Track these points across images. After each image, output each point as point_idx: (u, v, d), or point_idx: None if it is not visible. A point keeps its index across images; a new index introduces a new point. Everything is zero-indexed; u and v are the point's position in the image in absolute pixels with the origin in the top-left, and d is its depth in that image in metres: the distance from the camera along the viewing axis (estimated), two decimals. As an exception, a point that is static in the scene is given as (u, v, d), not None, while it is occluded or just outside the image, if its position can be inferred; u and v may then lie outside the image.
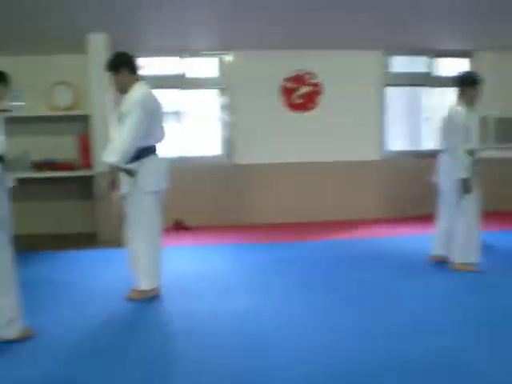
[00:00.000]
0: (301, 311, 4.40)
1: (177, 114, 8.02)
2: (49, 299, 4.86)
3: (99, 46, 6.71)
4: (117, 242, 5.80)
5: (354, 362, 3.44)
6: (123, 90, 4.71)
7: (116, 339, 3.96)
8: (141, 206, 4.63)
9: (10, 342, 3.83)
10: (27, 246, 6.19)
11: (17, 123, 6.90)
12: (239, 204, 8.06)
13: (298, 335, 3.92)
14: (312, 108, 8.14)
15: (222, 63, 8.07)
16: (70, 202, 7.53)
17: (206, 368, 3.44)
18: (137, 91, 4.61)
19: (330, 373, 3.31)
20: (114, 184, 4.64)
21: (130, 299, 4.73)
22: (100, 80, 6.75)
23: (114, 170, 4.52)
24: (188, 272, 5.57)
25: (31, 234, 7.19)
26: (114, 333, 4.09)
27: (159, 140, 4.76)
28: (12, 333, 3.85)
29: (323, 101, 8.11)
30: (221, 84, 8.11)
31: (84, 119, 7.06)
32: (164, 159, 4.79)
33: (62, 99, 7.25)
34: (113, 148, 4.49)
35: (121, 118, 4.59)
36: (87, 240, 7.07)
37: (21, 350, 3.78)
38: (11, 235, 4.90)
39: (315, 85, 8.08)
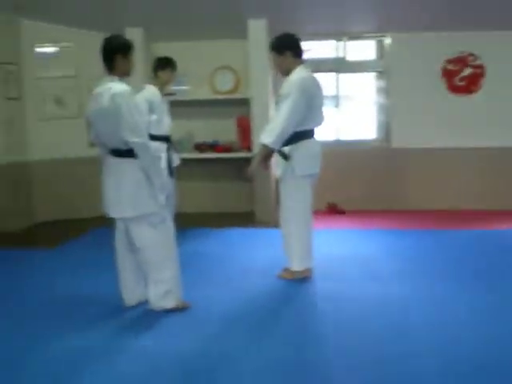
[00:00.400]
0: (449, 301, 4.30)
1: (335, 97, 8.03)
2: (205, 273, 5.14)
3: (259, 32, 6.88)
4: (273, 222, 5.95)
5: (498, 356, 3.33)
6: (285, 72, 4.75)
7: (264, 317, 4.11)
8: (294, 189, 4.71)
9: (167, 312, 4.12)
10: (188, 224, 6.52)
11: (181, 106, 7.29)
12: (394, 189, 7.94)
13: (442, 324, 3.85)
14: (475, 91, 7.81)
15: (379, 46, 7.98)
16: (230, 183, 7.81)
17: (347, 352, 3.49)
18: (297, 74, 4.63)
19: (473, 364, 3.23)
20: (266, 164, 4.77)
21: (282, 278, 4.87)
22: (260, 64, 6.95)
23: (268, 151, 4.64)
24: (340, 255, 5.60)
25: (192, 213, 7.57)
26: (263, 310, 4.23)
27: (317, 124, 4.78)
28: (169, 303, 4.13)
29: (486, 84, 7.75)
30: (378, 67, 8.02)
31: (244, 102, 7.28)
32: (318, 143, 4.84)
33: (224, 83, 7.53)
34: (269, 129, 4.59)
35: (279, 101, 4.66)
36: (245, 219, 7.30)
37: (175, 320, 4.04)
38: (174, 212, 5.20)
39: (478, 67, 7.74)
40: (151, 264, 4.07)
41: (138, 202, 3.94)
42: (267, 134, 4.55)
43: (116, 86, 3.84)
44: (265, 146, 4.58)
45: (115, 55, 3.93)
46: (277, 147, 4.57)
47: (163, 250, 4.07)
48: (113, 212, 4.04)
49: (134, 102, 3.97)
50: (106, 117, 3.83)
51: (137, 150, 3.84)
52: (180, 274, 4.20)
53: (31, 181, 7.52)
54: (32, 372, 3.34)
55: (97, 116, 3.91)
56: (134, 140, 3.80)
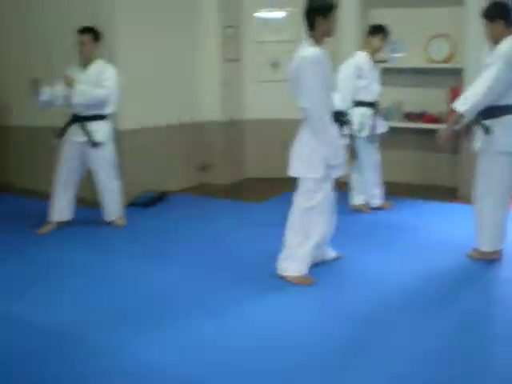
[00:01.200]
0: None
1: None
2: (395, 241, 5.22)
3: (477, -2, 6.56)
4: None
5: None
6: (494, 40, 4.55)
7: (440, 293, 4.08)
8: (492, 165, 4.51)
9: (282, 279, 4.23)
10: (389, 192, 6.52)
11: (392, 74, 7.22)
12: None
13: None
14: None
15: None
16: (436, 155, 7.59)
17: None
18: (506, 44, 4.41)
19: None
20: (466, 134, 4.63)
21: (470, 258, 4.73)
22: (476, 33, 6.60)
23: (463, 120, 4.49)
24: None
25: (394, 181, 7.50)
26: (441, 286, 4.21)
27: None
28: (286, 270, 4.20)
29: None
30: None
31: (458, 72, 7.01)
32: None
33: (438, 52, 7.30)
34: (464, 97, 4.43)
35: (485, 70, 4.48)
36: (447, 194, 7.09)
37: (346, 280, 4.27)
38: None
39: None
40: (291, 227, 4.22)
41: (304, 164, 4.11)
42: (462, 102, 4.40)
43: (307, 50, 3.97)
44: (459, 114, 4.44)
45: (316, 16, 4.01)
46: (469, 117, 4.41)
47: (303, 217, 4.16)
48: (288, 170, 4.25)
49: (322, 67, 4.00)
50: (294, 79, 4.02)
51: (307, 116, 3.98)
52: (312, 250, 4.25)
53: (243, 139, 8.00)
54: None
55: (291, 78, 4.10)
56: (305, 106, 3.95)
